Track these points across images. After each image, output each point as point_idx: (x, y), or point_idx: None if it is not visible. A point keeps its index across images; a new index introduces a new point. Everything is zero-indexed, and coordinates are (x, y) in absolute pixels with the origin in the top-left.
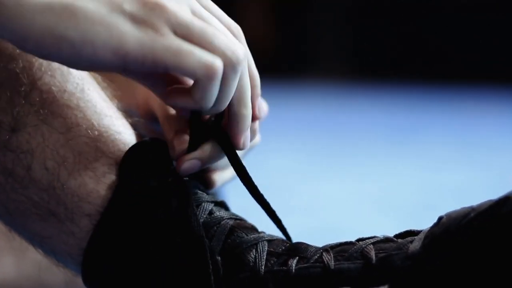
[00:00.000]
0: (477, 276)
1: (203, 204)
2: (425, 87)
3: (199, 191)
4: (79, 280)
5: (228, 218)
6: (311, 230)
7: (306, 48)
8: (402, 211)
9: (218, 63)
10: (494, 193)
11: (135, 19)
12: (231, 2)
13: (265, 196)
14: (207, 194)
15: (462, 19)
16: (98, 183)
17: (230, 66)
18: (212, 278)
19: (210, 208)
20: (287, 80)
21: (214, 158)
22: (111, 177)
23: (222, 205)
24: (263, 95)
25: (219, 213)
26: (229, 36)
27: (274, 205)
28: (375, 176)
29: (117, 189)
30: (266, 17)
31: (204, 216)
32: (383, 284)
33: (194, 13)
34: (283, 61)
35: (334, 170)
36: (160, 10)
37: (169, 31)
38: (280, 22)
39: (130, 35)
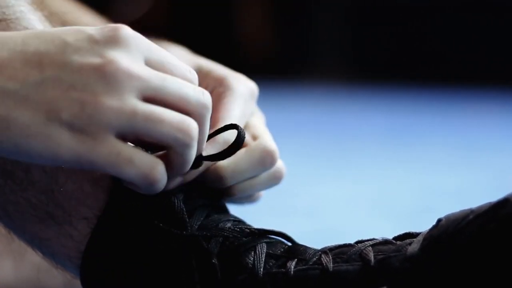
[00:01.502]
0: (476, 278)
1: (200, 206)
2: (425, 89)
3: (197, 193)
4: (77, 283)
5: (226, 220)
6: (310, 232)
7: (305, 50)
8: (401, 214)
9: (159, 170)
10: (493, 195)
11: (73, 128)
12: (230, 3)
13: (265, 198)
14: (206, 196)
15: (462, 20)
16: (95, 186)
17: (183, 147)
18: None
19: (207, 211)
20: (287, 81)
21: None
22: (107, 180)
23: (220, 207)
24: (263, 96)
25: (217, 215)
26: (185, 102)
27: (274, 207)
28: (375, 178)
29: (113, 192)
30: (265, 18)
31: (202, 218)
32: (382, 286)
33: (142, 92)
34: (282, 63)
35: (333, 172)
36: (99, 114)
37: (109, 135)
38: (279, 24)
39: (66, 146)
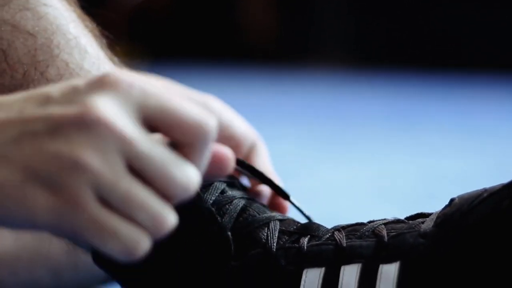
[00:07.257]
0: (489, 255)
1: (215, 183)
2: (427, 74)
3: None
4: (78, 250)
5: (240, 197)
6: (313, 216)
7: (308, 36)
8: (403, 198)
9: (143, 246)
10: (496, 181)
11: (51, 188)
12: None
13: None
14: None
15: (465, 5)
16: None
17: (154, 235)
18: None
19: (222, 187)
20: (290, 67)
21: None
22: None
23: (236, 184)
24: (266, 81)
25: (232, 192)
26: (167, 185)
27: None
28: (377, 162)
29: None
30: (268, 5)
31: (216, 194)
32: (395, 261)
33: (125, 154)
34: (285, 49)
35: (337, 157)
36: (80, 171)
37: (92, 198)
38: (283, 10)
39: (43, 209)
